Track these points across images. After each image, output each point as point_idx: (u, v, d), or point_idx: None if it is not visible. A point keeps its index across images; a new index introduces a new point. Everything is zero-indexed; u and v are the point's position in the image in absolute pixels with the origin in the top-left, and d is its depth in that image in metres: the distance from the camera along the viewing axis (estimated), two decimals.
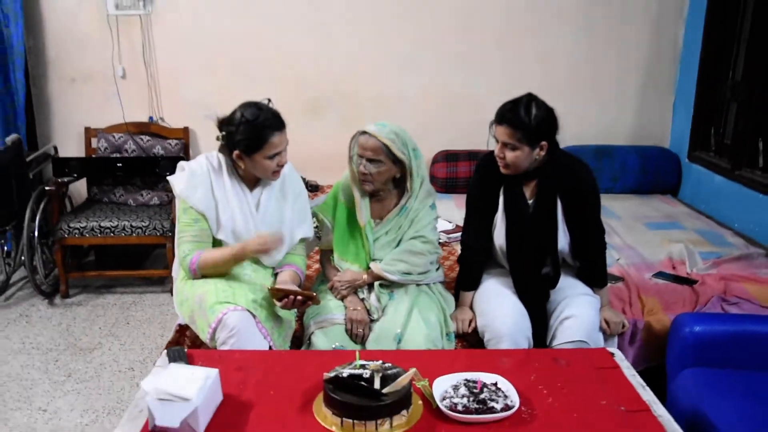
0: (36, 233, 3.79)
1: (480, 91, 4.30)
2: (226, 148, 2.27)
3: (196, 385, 1.61)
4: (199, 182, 2.26)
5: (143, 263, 4.28)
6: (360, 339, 2.30)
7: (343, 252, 2.48)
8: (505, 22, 4.29)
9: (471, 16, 4.28)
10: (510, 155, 2.24)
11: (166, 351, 1.94)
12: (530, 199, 2.37)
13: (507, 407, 1.67)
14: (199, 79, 4.34)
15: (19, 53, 4.02)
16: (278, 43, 4.29)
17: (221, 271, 2.27)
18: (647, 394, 1.81)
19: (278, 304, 2.20)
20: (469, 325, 2.42)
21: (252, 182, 2.36)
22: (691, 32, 4.18)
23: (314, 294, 2.21)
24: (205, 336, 2.15)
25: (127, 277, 4.12)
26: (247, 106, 2.25)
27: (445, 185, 4.15)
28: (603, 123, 4.47)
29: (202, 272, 2.26)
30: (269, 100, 2.29)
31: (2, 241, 3.85)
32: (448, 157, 4.25)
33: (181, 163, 2.31)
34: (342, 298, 2.38)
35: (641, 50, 4.36)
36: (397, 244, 2.45)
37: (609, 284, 2.71)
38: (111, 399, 2.86)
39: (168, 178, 2.32)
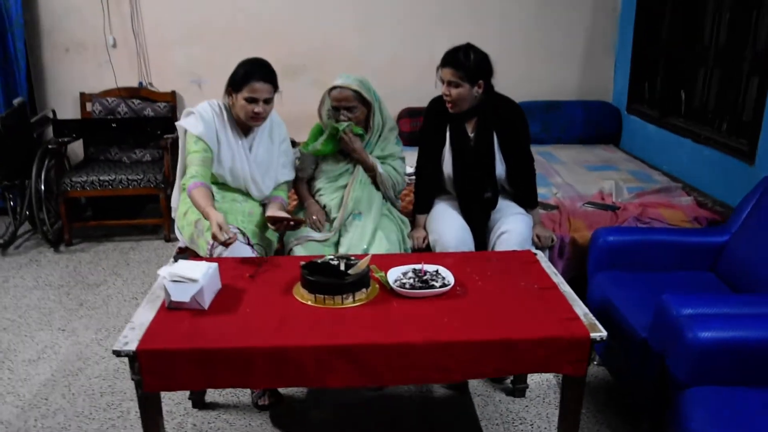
0: (42, 188, 4.19)
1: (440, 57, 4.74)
2: (226, 88, 2.68)
3: (201, 271, 2.06)
4: (208, 125, 2.65)
5: (138, 215, 4.70)
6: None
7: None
8: None
9: None
10: (454, 92, 2.70)
11: (173, 257, 2.39)
12: (471, 133, 2.84)
13: (444, 285, 2.15)
14: (184, 47, 4.75)
15: (18, 24, 4.41)
16: (258, 12, 4.70)
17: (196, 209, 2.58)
18: (557, 278, 2.29)
19: (272, 228, 2.67)
20: (423, 241, 2.89)
21: (246, 129, 2.78)
22: None
23: (303, 219, 2.68)
24: (204, 252, 2.59)
25: (123, 227, 4.55)
26: (252, 58, 2.67)
27: (409, 138, 4.59)
28: (552, 82, 4.95)
29: (190, 198, 2.58)
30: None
31: (10, 196, 4.25)
32: (411, 113, 4.71)
33: (188, 109, 2.71)
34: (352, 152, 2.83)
35: (584, 16, 4.83)
36: None
37: (545, 212, 3.21)
38: (119, 320, 3.31)
39: (177, 123, 2.72)
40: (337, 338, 1.88)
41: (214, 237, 2.32)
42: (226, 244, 2.38)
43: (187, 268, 2.09)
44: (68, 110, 4.78)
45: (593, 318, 2.00)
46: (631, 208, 3.34)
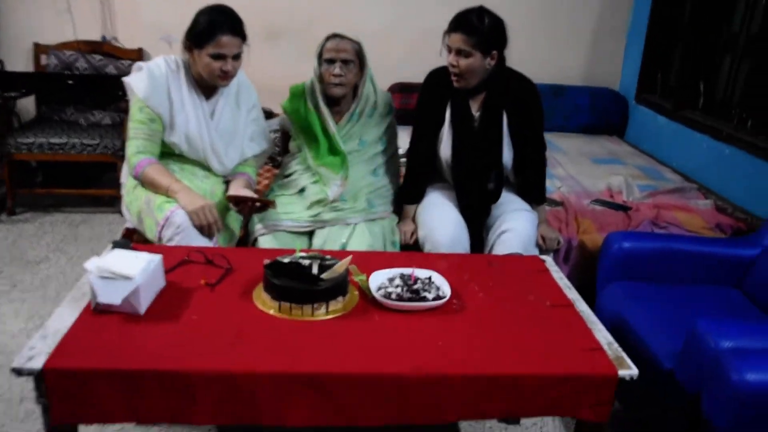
0: None
1: (438, 31, 4.33)
2: (185, 42, 2.27)
3: (138, 266, 1.65)
4: (157, 83, 2.25)
5: (93, 184, 4.23)
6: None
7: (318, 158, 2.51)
8: None
9: None
10: (463, 63, 2.29)
11: (111, 243, 1.96)
12: (476, 112, 2.44)
13: (438, 297, 1.76)
14: (155, 0, 4.26)
15: None
16: None
17: (154, 191, 2.24)
18: (572, 293, 1.92)
19: (235, 209, 2.26)
20: (411, 236, 2.50)
21: (208, 91, 2.36)
22: None
23: (272, 200, 2.27)
24: (153, 234, 2.19)
25: (76, 197, 4.08)
26: (215, 6, 2.26)
27: (400, 116, 4.18)
28: (557, 64, 4.55)
29: (141, 181, 2.27)
30: None
31: None
32: (402, 88, 4.29)
33: (139, 63, 2.30)
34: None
35: None
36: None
37: (549, 208, 2.83)
38: (57, 307, 2.87)
39: (123, 79, 2.30)
40: (303, 364, 1.48)
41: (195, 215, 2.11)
42: (210, 228, 2.15)
43: (121, 261, 1.67)
44: (19, 62, 4.27)
45: (620, 350, 1.62)
46: (644, 209, 2.97)
